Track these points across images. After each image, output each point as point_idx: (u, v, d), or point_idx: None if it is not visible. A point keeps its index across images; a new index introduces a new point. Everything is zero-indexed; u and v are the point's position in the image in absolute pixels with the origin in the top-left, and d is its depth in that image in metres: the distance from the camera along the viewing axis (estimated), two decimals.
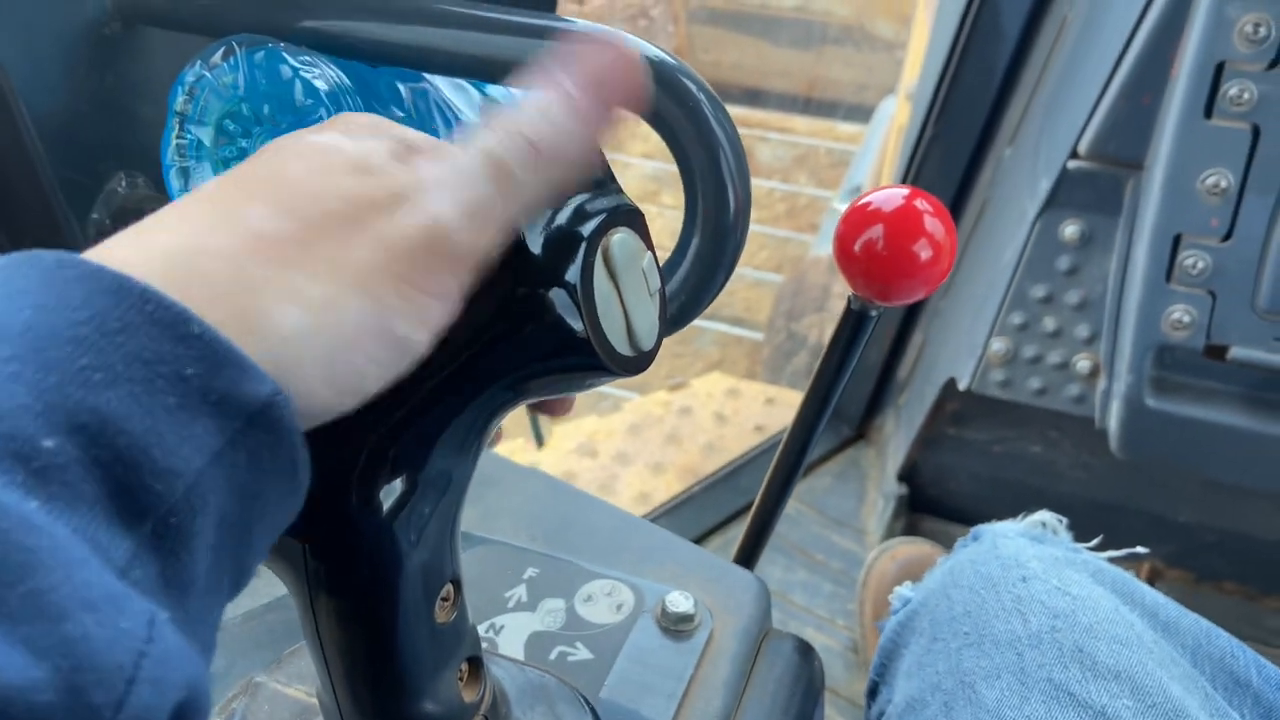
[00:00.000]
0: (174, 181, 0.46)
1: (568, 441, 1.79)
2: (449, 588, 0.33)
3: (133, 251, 0.23)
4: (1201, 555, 1.26)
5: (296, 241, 0.24)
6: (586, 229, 0.30)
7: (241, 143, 0.45)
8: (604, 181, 0.32)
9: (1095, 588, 0.57)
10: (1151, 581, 1.28)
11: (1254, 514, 1.21)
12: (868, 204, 0.43)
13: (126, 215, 0.54)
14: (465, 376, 0.29)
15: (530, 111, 0.27)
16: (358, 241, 0.25)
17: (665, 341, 0.38)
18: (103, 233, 0.54)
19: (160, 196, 0.55)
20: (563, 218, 0.30)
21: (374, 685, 0.33)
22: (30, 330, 0.20)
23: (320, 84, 0.43)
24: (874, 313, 0.46)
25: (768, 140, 3.23)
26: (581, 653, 0.50)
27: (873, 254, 0.42)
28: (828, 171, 3.10)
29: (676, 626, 0.51)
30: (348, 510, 0.29)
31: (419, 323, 0.26)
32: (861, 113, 3.20)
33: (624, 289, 0.31)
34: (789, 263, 2.63)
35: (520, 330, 0.29)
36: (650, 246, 0.33)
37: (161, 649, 0.19)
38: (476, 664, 0.37)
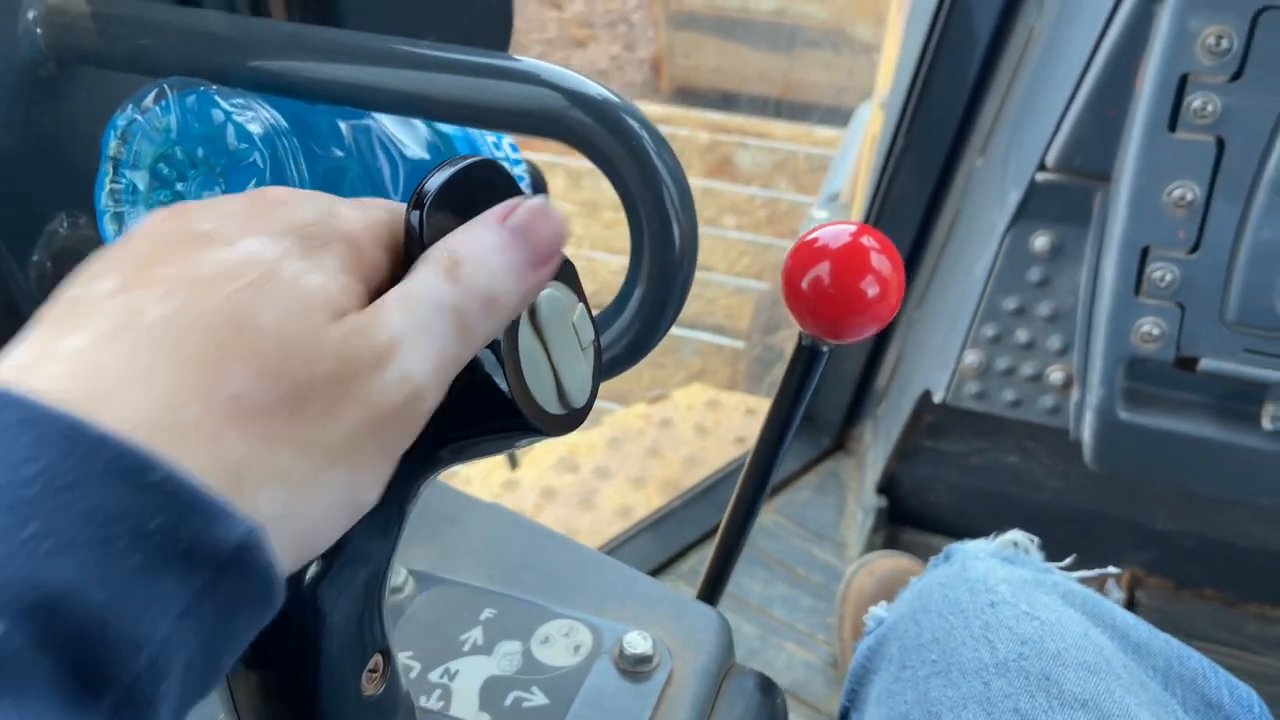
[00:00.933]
0: (108, 226, 0.45)
1: (548, 457, 1.78)
2: (377, 658, 0.32)
3: (95, 404, 0.21)
4: (1180, 562, 1.26)
5: (283, 413, 0.23)
6: None
7: (177, 186, 0.44)
8: None
9: (1065, 610, 0.56)
10: (1132, 589, 1.28)
11: (1232, 521, 1.21)
12: (814, 240, 0.42)
13: (68, 256, 0.53)
14: None
15: (482, 264, 0.27)
16: (343, 410, 0.24)
17: (603, 382, 0.37)
18: (43, 276, 0.53)
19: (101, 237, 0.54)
20: None
21: None
22: None
23: (254, 127, 0.42)
24: (825, 349, 0.45)
25: (747, 146, 3.23)
26: (538, 698, 0.49)
27: (820, 291, 0.42)
28: (807, 177, 3.10)
29: (634, 668, 0.50)
30: None
31: (381, 484, 0.26)
32: (840, 116, 3.20)
33: (552, 347, 0.31)
34: (770, 269, 2.63)
35: (445, 403, 0.28)
36: (582, 297, 0.33)
37: None
38: None
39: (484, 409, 0.29)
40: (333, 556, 0.28)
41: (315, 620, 0.29)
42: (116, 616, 0.19)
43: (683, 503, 1.52)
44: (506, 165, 0.58)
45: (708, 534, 1.45)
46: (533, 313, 0.30)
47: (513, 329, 0.29)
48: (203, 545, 0.20)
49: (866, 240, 0.41)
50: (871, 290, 0.41)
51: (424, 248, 0.28)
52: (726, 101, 3.56)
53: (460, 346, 0.27)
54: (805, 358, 0.46)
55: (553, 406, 0.30)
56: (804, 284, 0.42)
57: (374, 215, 0.29)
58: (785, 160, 3.18)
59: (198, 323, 0.22)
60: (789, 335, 2.03)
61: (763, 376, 2.06)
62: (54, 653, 0.18)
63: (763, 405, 1.89)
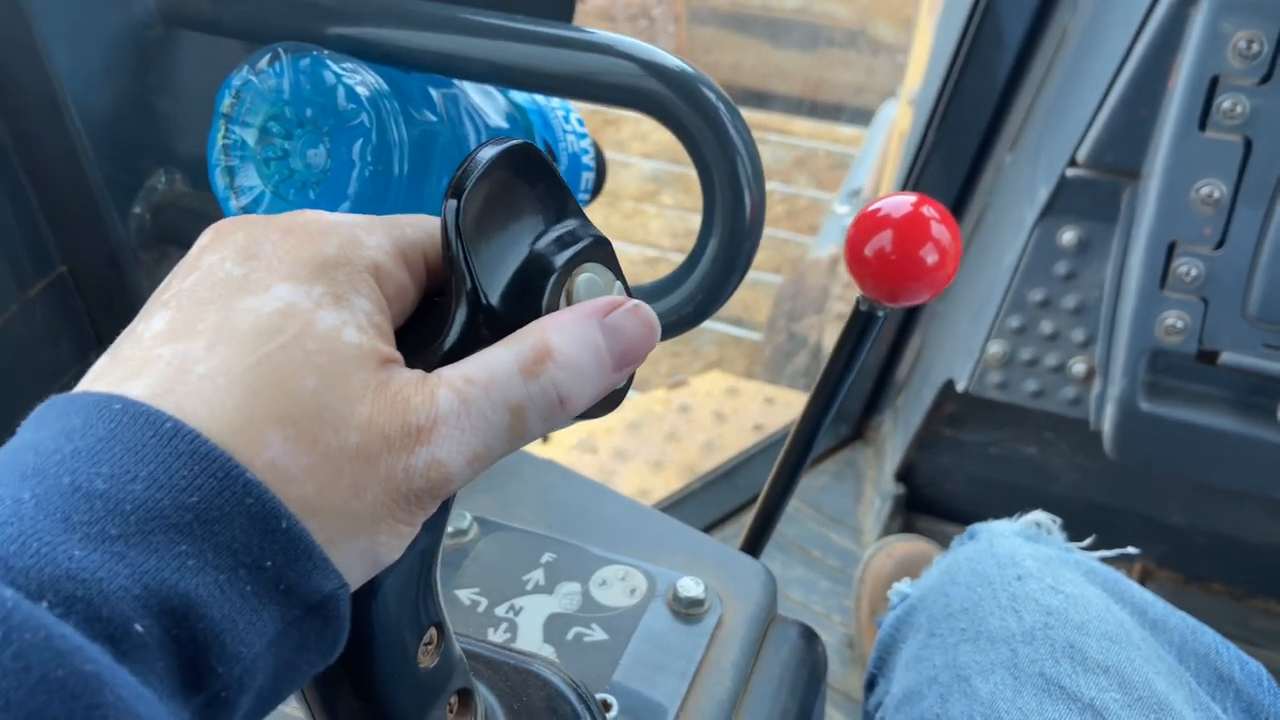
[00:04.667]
0: (219, 179, 0.48)
1: (568, 438, 1.81)
2: (432, 632, 0.33)
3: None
4: (1191, 556, 1.29)
5: (313, 484, 0.24)
6: (549, 271, 0.29)
7: (284, 144, 0.48)
8: (565, 217, 0.31)
9: (1087, 586, 0.59)
10: (1142, 581, 1.31)
11: (1243, 517, 1.24)
12: (877, 210, 0.45)
13: (165, 211, 0.57)
14: None
15: (570, 365, 0.27)
16: (369, 487, 0.25)
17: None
18: (143, 228, 0.56)
19: (197, 193, 0.58)
20: (525, 262, 0.29)
21: None
22: (140, 509, 0.22)
23: (362, 89, 0.45)
24: (881, 314, 0.48)
25: (768, 142, 3.25)
26: (597, 634, 0.52)
27: (882, 258, 0.45)
28: (827, 174, 3.13)
29: (688, 610, 0.53)
30: None
31: (398, 548, 0.27)
32: (862, 116, 3.22)
33: None
34: (788, 264, 2.65)
35: None
36: (620, 276, 0.32)
37: None
38: (466, 695, 0.37)
39: None
40: None
41: (374, 600, 0.30)
42: (229, 630, 0.22)
43: (701, 486, 1.55)
44: (573, 139, 0.61)
45: (725, 517, 1.48)
46: (571, 297, 0.30)
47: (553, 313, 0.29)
48: (299, 587, 0.24)
49: (927, 210, 0.44)
50: (931, 258, 0.44)
51: (461, 237, 0.28)
52: (750, 99, 3.58)
53: (507, 446, 0.27)
54: (862, 321, 0.49)
55: None
56: (867, 250, 0.45)
57: (400, 235, 0.29)
58: (806, 157, 3.21)
59: (239, 383, 0.24)
60: (812, 324, 2.05)
61: (783, 367, 2.08)
62: (175, 648, 0.22)
63: (781, 394, 1.92)
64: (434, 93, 0.51)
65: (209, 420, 0.23)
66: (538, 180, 0.30)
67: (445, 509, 0.30)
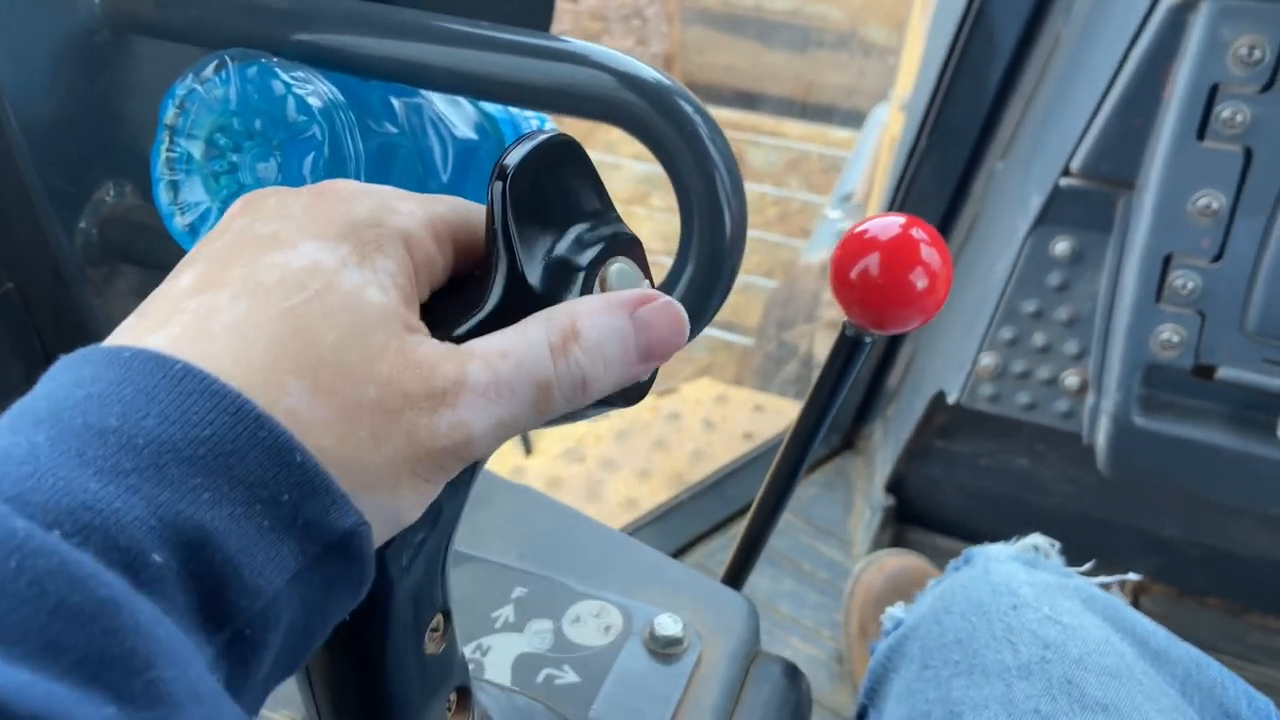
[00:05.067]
0: (163, 195, 0.45)
1: (555, 446, 1.78)
2: (439, 618, 0.33)
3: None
4: (1186, 570, 1.27)
5: (332, 432, 0.24)
6: (584, 259, 0.30)
7: (232, 157, 0.45)
8: (601, 210, 0.32)
9: (1086, 615, 0.57)
10: (1136, 595, 1.28)
11: (1238, 531, 1.21)
12: (864, 231, 0.43)
13: (114, 225, 0.54)
14: None
15: (595, 350, 0.28)
16: (388, 439, 0.25)
17: None
18: (89, 243, 0.53)
19: (148, 206, 0.55)
20: (562, 249, 0.30)
21: (363, 715, 0.33)
22: (153, 443, 0.22)
23: (314, 100, 0.43)
24: (868, 340, 0.46)
25: (760, 145, 3.23)
26: (569, 675, 0.49)
27: (868, 282, 0.42)
28: (820, 177, 3.11)
29: (665, 650, 0.51)
30: None
31: (419, 506, 0.27)
32: (854, 118, 3.20)
33: None
34: (780, 267, 2.63)
35: None
36: (648, 274, 0.33)
37: None
38: (465, 694, 0.37)
39: None
40: None
41: (387, 574, 0.30)
42: (248, 564, 0.22)
43: (689, 496, 1.52)
44: None
45: (714, 528, 1.46)
46: (605, 285, 0.31)
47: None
48: (319, 524, 0.23)
49: (916, 232, 0.42)
50: (920, 282, 0.41)
51: (507, 215, 0.28)
52: (743, 101, 3.56)
53: (532, 419, 0.28)
54: (848, 348, 0.46)
55: None
56: (853, 274, 0.42)
57: (432, 209, 0.29)
58: (798, 160, 3.19)
59: (260, 332, 0.24)
60: (803, 332, 2.03)
61: (774, 374, 2.06)
62: (195, 580, 0.21)
63: (771, 402, 1.89)
64: (396, 102, 0.48)
65: (231, 366, 0.24)
66: (577, 173, 0.31)
67: (465, 487, 0.31)
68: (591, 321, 0.28)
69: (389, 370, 0.25)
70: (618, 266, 0.31)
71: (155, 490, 0.21)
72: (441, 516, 0.31)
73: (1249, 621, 1.27)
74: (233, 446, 0.22)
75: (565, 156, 0.31)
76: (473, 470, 0.31)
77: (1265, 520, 1.17)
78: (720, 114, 3.46)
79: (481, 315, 0.28)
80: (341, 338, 0.25)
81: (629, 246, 0.32)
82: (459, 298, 0.29)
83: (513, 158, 0.29)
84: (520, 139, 0.30)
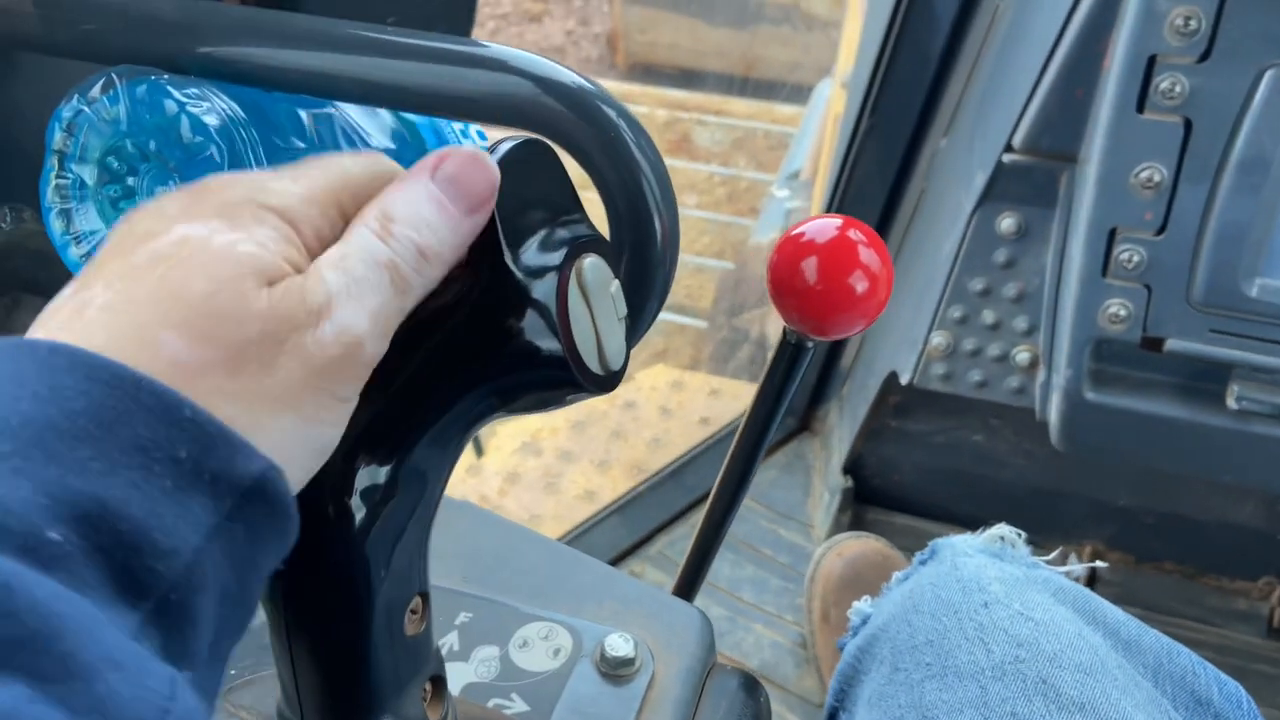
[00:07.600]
0: (55, 225, 0.42)
1: (511, 441, 1.76)
2: (418, 600, 0.34)
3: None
4: (1141, 537, 1.28)
5: (220, 371, 0.25)
6: (562, 253, 0.32)
7: (128, 181, 0.42)
8: (570, 209, 0.34)
9: (1057, 608, 0.56)
10: (1092, 561, 1.29)
11: (1190, 496, 1.23)
12: (800, 235, 0.41)
13: (12, 251, 0.51)
14: (448, 387, 0.31)
15: (413, 219, 0.29)
16: (282, 363, 0.26)
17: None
18: None
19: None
20: (539, 244, 0.32)
21: (343, 697, 0.33)
22: (30, 424, 0.22)
23: (210, 119, 0.40)
24: (810, 345, 0.44)
25: (706, 123, 3.21)
26: (517, 705, 0.47)
27: (806, 288, 0.40)
28: (767, 154, 3.09)
29: (616, 671, 0.49)
30: (324, 515, 0.30)
31: (336, 425, 0.28)
32: (799, 94, 3.19)
33: (595, 311, 0.33)
34: (731, 247, 2.62)
35: (501, 347, 0.30)
36: (617, 275, 0.35)
37: (183, 708, 0.20)
38: (440, 684, 0.37)
39: (536, 361, 0.31)
40: (394, 479, 0.30)
41: (371, 551, 0.31)
42: (153, 528, 0.22)
43: (649, 486, 1.51)
44: None
45: (675, 517, 1.45)
46: (579, 276, 0.32)
47: (564, 290, 0.31)
48: (227, 474, 0.23)
49: (854, 234, 0.40)
50: (860, 286, 0.40)
51: (492, 215, 0.30)
52: (684, 78, 3.54)
53: (399, 299, 0.28)
54: (790, 354, 0.44)
55: (595, 366, 0.32)
56: (790, 280, 0.41)
57: (314, 182, 0.30)
58: (744, 138, 3.17)
59: (132, 305, 0.25)
60: (754, 317, 2.02)
61: (729, 358, 2.05)
62: (102, 554, 0.21)
63: (727, 385, 1.88)
64: (303, 114, 0.45)
65: (105, 341, 0.24)
66: (550, 174, 0.33)
67: (449, 457, 0.32)
68: (397, 198, 0.29)
69: (267, 304, 0.26)
70: (591, 260, 0.33)
71: (39, 469, 0.21)
72: (425, 489, 0.31)
73: (1205, 584, 1.29)
74: (115, 413, 0.22)
75: (539, 158, 0.33)
76: (459, 438, 0.32)
77: (1216, 485, 1.18)
78: (665, 94, 3.43)
79: (467, 304, 0.30)
80: (210, 285, 0.25)
81: (599, 245, 0.34)
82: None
83: (498, 156, 0.31)
84: (500, 140, 0.31)
